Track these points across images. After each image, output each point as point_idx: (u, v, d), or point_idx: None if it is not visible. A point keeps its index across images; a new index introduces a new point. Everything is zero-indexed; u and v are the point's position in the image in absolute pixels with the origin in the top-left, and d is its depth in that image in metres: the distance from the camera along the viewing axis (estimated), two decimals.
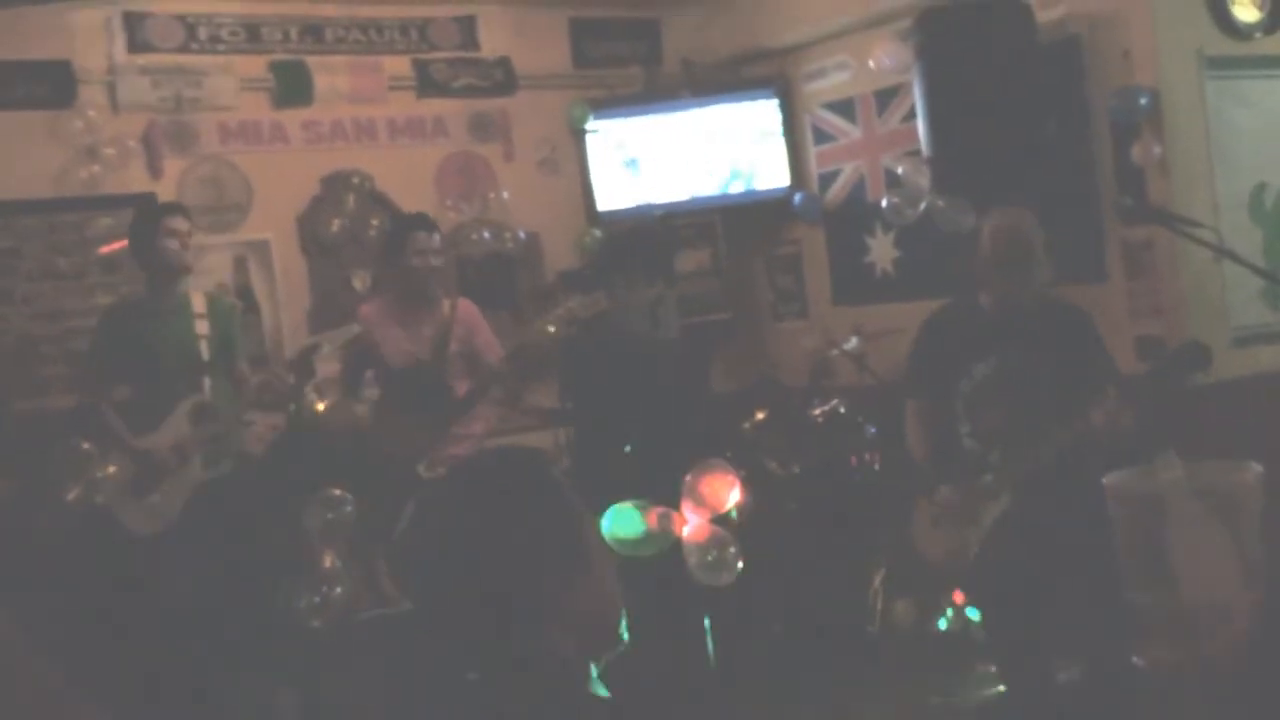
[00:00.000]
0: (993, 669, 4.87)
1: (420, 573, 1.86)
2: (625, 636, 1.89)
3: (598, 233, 7.59)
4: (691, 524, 4.26)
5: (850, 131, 7.51)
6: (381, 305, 5.72)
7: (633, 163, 7.69)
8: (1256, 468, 3.56)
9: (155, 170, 6.66)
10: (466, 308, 5.71)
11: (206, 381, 5.31)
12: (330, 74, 7.07)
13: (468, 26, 7.56)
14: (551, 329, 5.13)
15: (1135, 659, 3.51)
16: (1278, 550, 3.57)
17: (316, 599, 4.04)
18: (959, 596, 5.17)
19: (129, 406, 5.33)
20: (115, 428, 5.20)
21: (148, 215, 5.48)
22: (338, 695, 4.49)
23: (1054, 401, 4.10)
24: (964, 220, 6.07)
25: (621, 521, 4.28)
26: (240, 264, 6.90)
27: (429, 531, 1.86)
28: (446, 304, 5.61)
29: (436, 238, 5.62)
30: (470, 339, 5.64)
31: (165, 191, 6.66)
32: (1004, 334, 4.25)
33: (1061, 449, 4.03)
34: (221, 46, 6.85)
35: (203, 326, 5.37)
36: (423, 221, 5.67)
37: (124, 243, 6.42)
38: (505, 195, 7.47)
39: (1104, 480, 3.65)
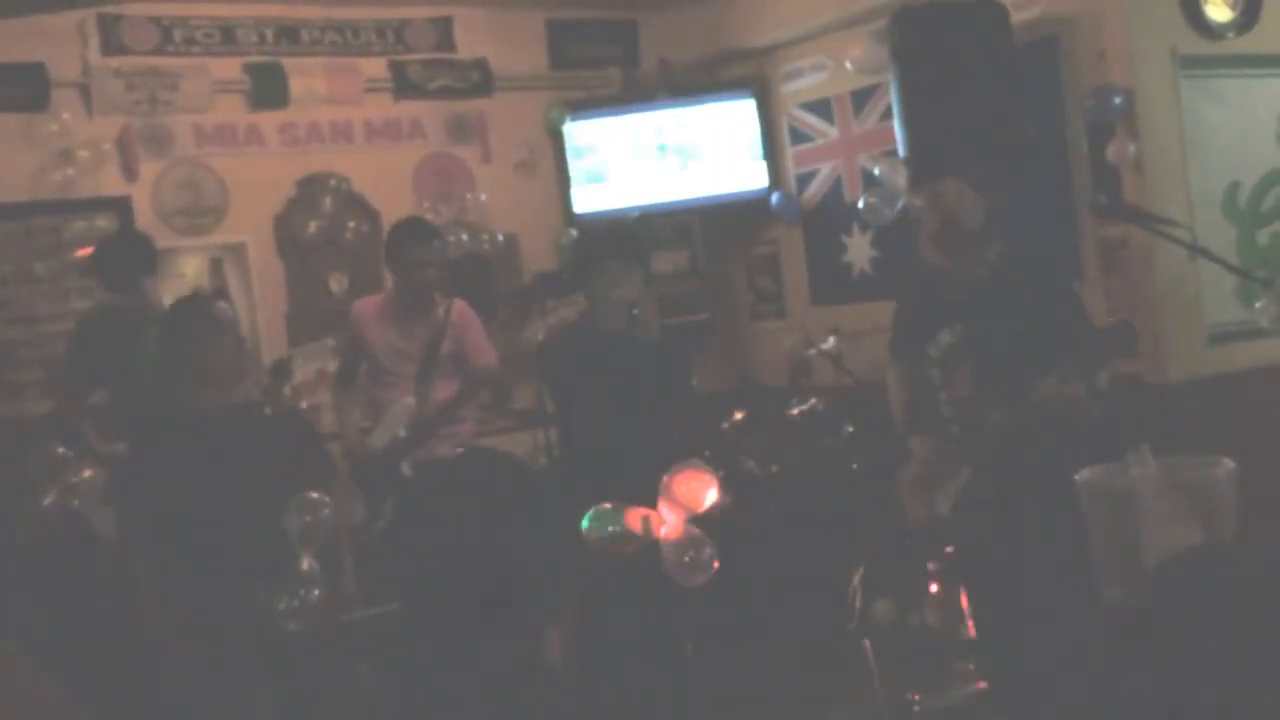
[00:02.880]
0: (971, 667, 4.88)
1: (409, 572, 1.86)
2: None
3: (575, 234, 7.59)
4: (669, 524, 4.27)
5: (827, 131, 7.53)
6: (377, 303, 5.72)
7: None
8: (1229, 464, 3.57)
9: (130, 173, 6.65)
10: (461, 309, 5.70)
11: None
12: (306, 76, 7.06)
13: (444, 28, 7.56)
14: (540, 337, 5.14)
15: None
16: (1250, 547, 3.59)
17: (294, 602, 4.01)
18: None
19: (104, 414, 5.32)
20: (87, 435, 5.19)
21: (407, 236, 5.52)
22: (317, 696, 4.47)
23: (1019, 369, 4.08)
24: None
25: (600, 522, 4.28)
26: (217, 266, 6.90)
27: (415, 531, 1.86)
28: (442, 307, 5.61)
29: (436, 245, 5.60)
30: (463, 340, 5.63)
31: (141, 194, 6.65)
32: (971, 301, 4.26)
33: (1018, 419, 4.03)
34: (196, 49, 6.83)
35: None
36: (423, 231, 5.63)
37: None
38: (483, 197, 7.47)
39: (1077, 476, 3.66)
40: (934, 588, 5.01)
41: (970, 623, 4.64)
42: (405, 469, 5.27)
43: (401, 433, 5.34)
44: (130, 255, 5.60)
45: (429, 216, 7.11)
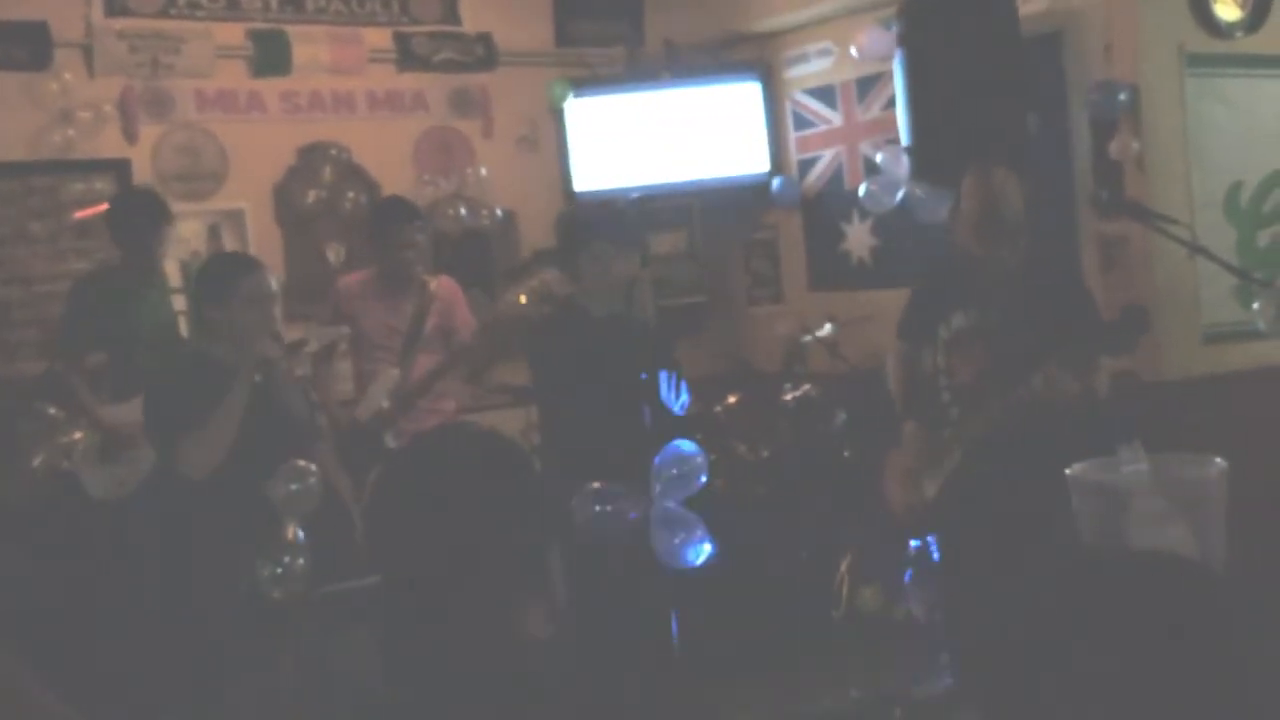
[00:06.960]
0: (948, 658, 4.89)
1: (389, 545, 1.84)
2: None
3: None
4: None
5: (830, 118, 7.51)
6: (363, 279, 5.77)
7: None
8: (1220, 463, 3.58)
9: (130, 136, 6.61)
10: (448, 285, 5.78)
11: None
12: (310, 44, 7.01)
13: (449, 0, 7.52)
14: (523, 300, 5.17)
15: None
16: (1240, 547, 3.59)
17: (278, 570, 4.02)
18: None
19: (101, 376, 5.33)
20: (83, 396, 5.19)
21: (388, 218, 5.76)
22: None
23: (1028, 357, 4.09)
24: (941, 209, 6.08)
25: None
26: (214, 233, 6.86)
27: (398, 504, 1.84)
28: (432, 283, 5.70)
29: (419, 225, 5.72)
30: (449, 315, 5.70)
31: (140, 158, 6.62)
32: (987, 288, 4.26)
33: (1018, 409, 4.04)
34: (201, 13, 6.78)
35: (180, 300, 5.36)
36: (407, 212, 5.73)
37: (98, 208, 6.40)
38: (483, 172, 7.44)
39: (1067, 471, 3.66)
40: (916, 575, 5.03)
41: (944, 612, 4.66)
42: (389, 440, 5.31)
43: (386, 404, 5.39)
44: (143, 213, 5.54)
45: (428, 190, 7.13)
